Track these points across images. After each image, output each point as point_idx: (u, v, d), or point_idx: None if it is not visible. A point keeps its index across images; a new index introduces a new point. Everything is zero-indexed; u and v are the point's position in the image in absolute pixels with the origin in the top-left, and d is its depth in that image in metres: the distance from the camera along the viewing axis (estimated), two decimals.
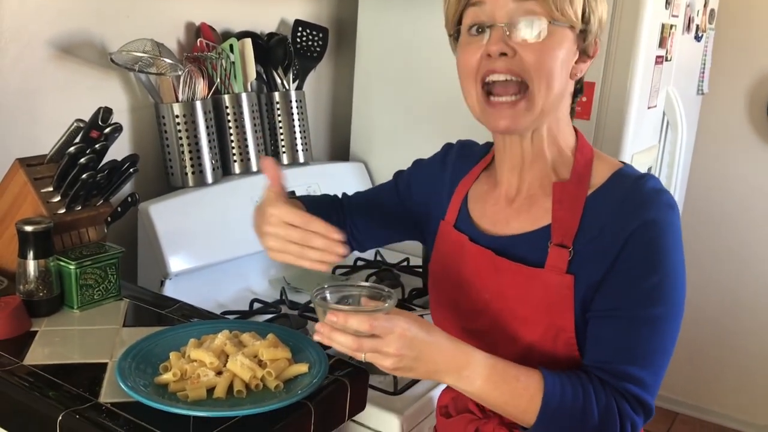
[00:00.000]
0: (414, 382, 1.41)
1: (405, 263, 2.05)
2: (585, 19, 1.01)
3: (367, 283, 1.02)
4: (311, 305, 1.74)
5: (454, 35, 1.07)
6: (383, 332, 0.91)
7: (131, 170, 1.29)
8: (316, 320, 1.65)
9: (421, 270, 1.93)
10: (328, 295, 0.98)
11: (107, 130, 1.26)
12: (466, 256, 1.12)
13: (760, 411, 3.01)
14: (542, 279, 1.03)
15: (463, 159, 1.22)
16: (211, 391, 1.02)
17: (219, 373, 1.05)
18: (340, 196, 1.35)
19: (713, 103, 2.74)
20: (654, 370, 0.99)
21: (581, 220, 1.03)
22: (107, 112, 1.27)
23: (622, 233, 0.98)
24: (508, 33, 0.97)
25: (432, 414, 1.42)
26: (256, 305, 1.74)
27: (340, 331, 0.91)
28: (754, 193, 2.89)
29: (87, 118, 1.29)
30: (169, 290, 1.62)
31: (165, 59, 1.52)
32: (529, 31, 0.97)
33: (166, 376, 1.04)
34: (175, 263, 1.61)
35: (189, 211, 1.67)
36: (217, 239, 1.70)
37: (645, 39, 1.78)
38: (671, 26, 1.94)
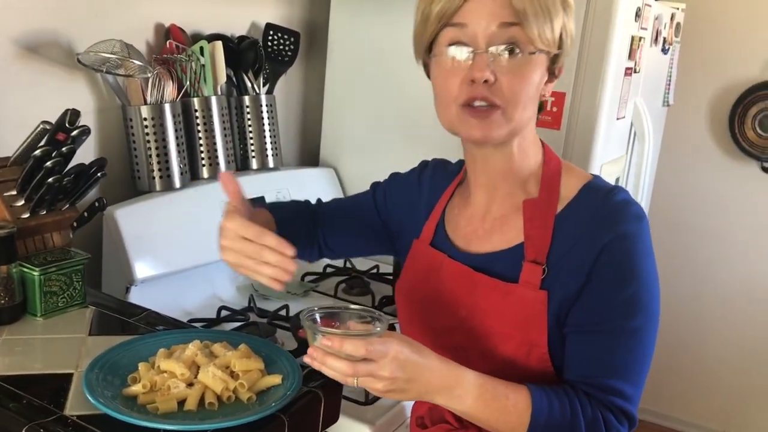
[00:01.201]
0: None
1: (375, 270, 2.03)
2: (561, 43, 1.02)
3: (356, 306, 1.01)
4: (280, 312, 1.72)
5: (426, 53, 1.07)
6: (378, 356, 0.90)
7: (99, 174, 1.26)
8: (285, 328, 1.65)
9: (391, 278, 1.92)
10: (317, 317, 0.96)
11: (75, 132, 1.23)
12: (443, 273, 1.12)
13: (718, 417, 3.06)
14: (517, 294, 1.04)
15: (438, 178, 1.23)
16: (181, 403, 1.00)
17: (190, 384, 1.02)
18: (313, 202, 1.34)
19: (677, 114, 2.78)
20: (635, 380, 1.01)
21: (553, 236, 1.04)
22: (75, 114, 1.23)
23: (594, 248, 1.00)
24: (492, 59, 0.98)
25: (403, 424, 1.41)
26: (224, 313, 1.71)
27: (334, 356, 0.89)
28: (714, 203, 2.94)
29: (51, 119, 1.25)
30: (135, 297, 1.58)
31: (134, 61, 1.49)
32: (512, 60, 0.98)
33: (135, 388, 1.01)
34: (141, 269, 1.57)
35: (156, 216, 1.63)
36: (184, 245, 1.67)
37: (615, 50, 1.80)
38: (640, 38, 1.97)
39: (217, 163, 1.81)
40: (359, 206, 1.30)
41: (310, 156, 2.29)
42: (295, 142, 2.26)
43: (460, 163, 1.24)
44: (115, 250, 1.57)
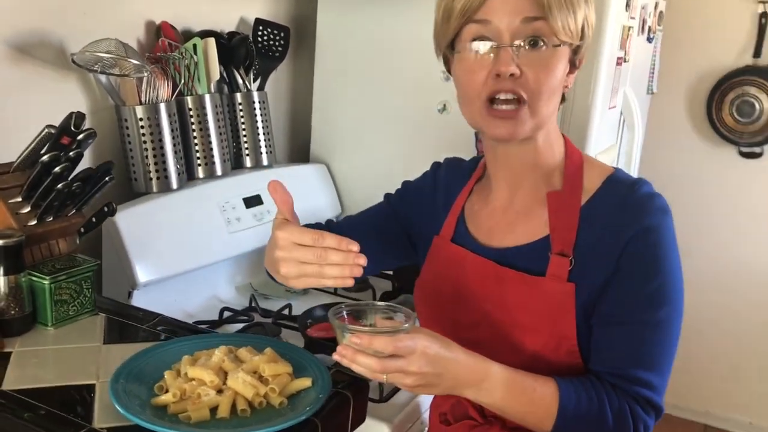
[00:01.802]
0: (399, 388, 1.39)
1: None
2: (582, 34, 1.02)
3: (382, 303, 0.99)
4: (283, 312, 1.70)
5: (448, 49, 1.06)
6: (406, 352, 0.90)
7: (106, 179, 1.22)
8: (291, 328, 1.63)
9: (390, 273, 1.91)
10: (345, 315, 0.95)
11: (81, 136, 1.19)
12: (466, 268, 1.12)
13: (698, 397, 3.12)
14: (544, 288, 1.04)
15: (454, 176, 1.23)
16: (213, 411, 0.98)
17: (219, 391, 1.00)
18: (323, 222, 1.32)
19: (657, 102, 2.81)
20: (661, 370, 1.02)
21: (578, 228, 1.04)
22: (80, 117, 1.20)
23: (620, 240, 1.00)
24: (517, 53, 0.97)
25: (419, 420, 1.41)
26: (227, 314, 1.69)
27: (363, 353, 0.89)
28: (693, 189, 2.98)
29: (43, 122, 1.21)
30: (136, 302, 1.55)
31: (131, 60, 1.45)
32: (537, 53, 0.98)
33: (165, 397, 0.98)
34: (144, 273, 1.54)
35: (155, 219, 1.60)
36: (185, 247, 1.64)
37: (609, 41, 1.81)
38: (629, 28, 1.98)
39: (213, 163, 1.78)
40: (375, 218, 1.28)
41: (300, 152, 2.26)
42: (284, 139, 2.23)
43: (475, 160, 1.24)
44: (116, 255, 1.54)
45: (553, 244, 1.04)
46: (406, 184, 1.30)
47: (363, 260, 0.92)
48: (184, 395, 0.99)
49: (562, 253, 1.03)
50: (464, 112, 1.06)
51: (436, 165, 1.29)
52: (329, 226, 1.29)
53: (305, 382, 1.04)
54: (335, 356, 0.92)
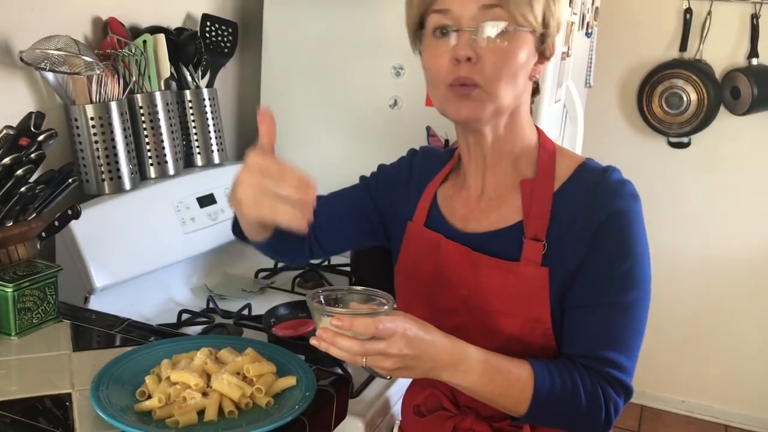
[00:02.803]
0: (368, 382, 1.40)
1: (326, 263, 2.01)
2: (545, 23, 1.04)
3: (359, 288, 1.00)
4: (243, 312, 1.68)
5: (417, 37, 1.08)
6: (387, 334, 0.90)
7: (70, 181, 1.18)
8: (253, 328, 1.61)
9: (348, 269, 1.91)
10: (322, 300, 0.95)
11: (41, 137, 1.15)
12: (441, 253, 1.13)
13: (637, 378, 3.24)
14: (519, 272, 1.06)
15: (429, 163, 1.24)
16: (200, 414, 0.96)
17: (204, 394, 0.99)
18: None
19: (593, 96, 2.90)
20: (631, 352, 1.05)
21: (551, 214, 1.07)
22: (39, 117, 1.15)
23: (592, 225, 1.04)
24: (474, 37, 1.00)
25: (389, 414, 1.42)
26: (185, 316, 1.65)
27: (344, 336, 0.89)
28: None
29: None
30: (93, 307, 1.50)
31: (84, 57, 1.40)
32: (494, 33, 1.00)
33: (150, 403, 0.96)
34: (101, 277, 1.49)
35: (111, 221, 1.55)
36: (141, 249, 1.60)
37: (558, 36, 1.86)
38: (572, 23, 2.04)
39: (166, 162, 1.73)
40: (350, 198, 1.28)
41: (246, 149, 2.23)
42: (232, 136, 2.20)
43: (451, 150, 1.26)
44: (70, 258, 1.48)
45: (527, 229, 1.07)
46: (381, 167, 1.31)
47: (313, 192, 0.88)
48: (169, 400, 0.97)
49: (536, 237, 1.06)
50: (432, 96, 1.08)
51: (412, 151, 1.30)
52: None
53: (290, 381, 1.04)
54: (313, 341, 0.92)
